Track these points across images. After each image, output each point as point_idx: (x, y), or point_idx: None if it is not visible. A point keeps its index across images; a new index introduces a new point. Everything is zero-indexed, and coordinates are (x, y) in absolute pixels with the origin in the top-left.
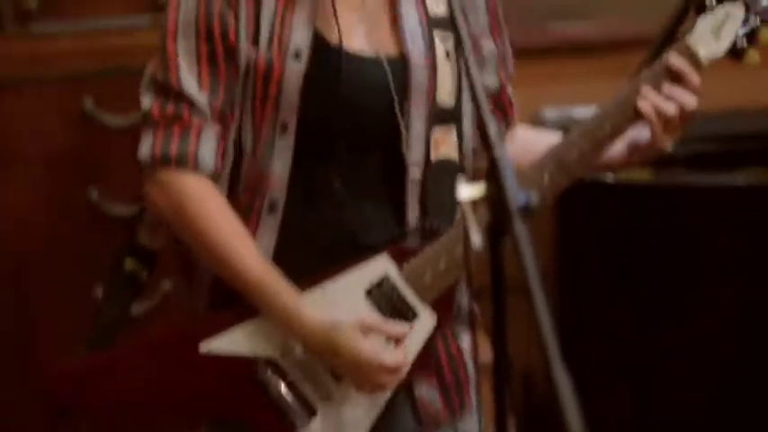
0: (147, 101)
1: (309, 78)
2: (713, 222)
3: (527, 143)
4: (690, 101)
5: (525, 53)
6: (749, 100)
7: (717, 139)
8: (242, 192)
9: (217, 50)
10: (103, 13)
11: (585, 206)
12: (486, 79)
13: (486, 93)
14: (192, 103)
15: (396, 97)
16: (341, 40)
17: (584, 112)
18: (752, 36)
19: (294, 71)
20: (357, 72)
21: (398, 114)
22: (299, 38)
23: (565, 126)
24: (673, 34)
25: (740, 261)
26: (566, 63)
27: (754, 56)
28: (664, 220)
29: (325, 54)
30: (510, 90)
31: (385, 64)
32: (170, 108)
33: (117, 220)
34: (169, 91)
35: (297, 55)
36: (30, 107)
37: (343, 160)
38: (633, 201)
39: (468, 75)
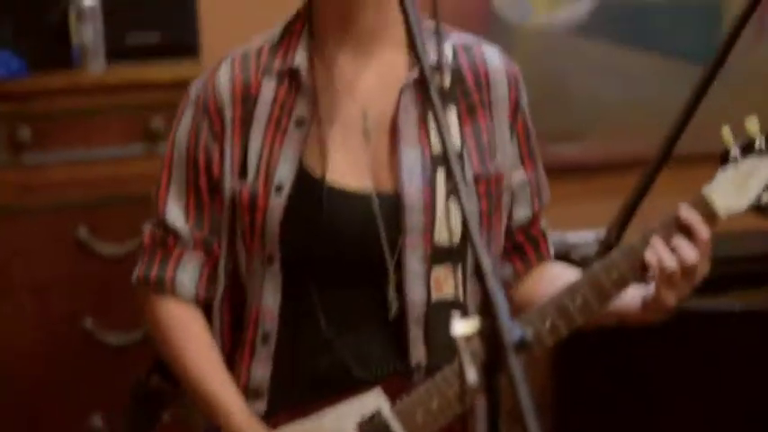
0: (145, 227)
1: (290, 212)
2: (712, 348)
3: (554, 280)
4: (690, 255)
5: None
6: (742, 222)
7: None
8: (245, 322)
9: (201, 181)
10: (96, 143)
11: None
12: (517, 212)
13: (516, 226)
14: (176, 233)
15: (384, 234)
16: (324, 174)
17: (579, 236)
18: None
19: (276, 204)
20: (340, 207)
21: (386, 252)
22: (284, 171)
23: (559, 251)
24: (668, 156)
25: (740, 384)
26: (563, 185)
27: None
28: (661, 346)
29: (307, 188)
30: (544, 222)
31: (374, 200)
32: (158, 235)
33: (112, 348)
34: (159, 219)
35: (279, 188)
36: (24, 236)
37: (330, 295)
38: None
39: (460, 204)
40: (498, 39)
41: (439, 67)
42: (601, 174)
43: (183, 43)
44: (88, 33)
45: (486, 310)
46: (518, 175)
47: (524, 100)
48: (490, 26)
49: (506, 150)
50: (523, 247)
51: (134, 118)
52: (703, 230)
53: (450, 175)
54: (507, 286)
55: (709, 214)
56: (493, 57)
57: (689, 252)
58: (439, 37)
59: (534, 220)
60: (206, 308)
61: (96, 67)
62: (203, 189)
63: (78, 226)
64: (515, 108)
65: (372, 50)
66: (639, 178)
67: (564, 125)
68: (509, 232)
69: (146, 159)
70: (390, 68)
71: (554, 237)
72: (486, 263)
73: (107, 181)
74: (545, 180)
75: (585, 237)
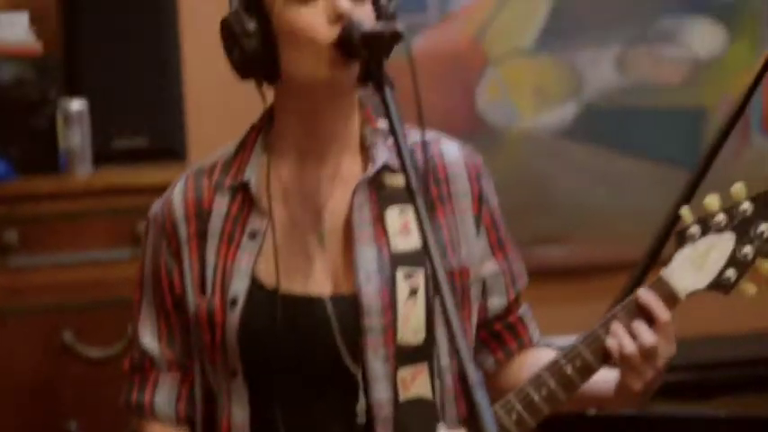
0: (131, 350)
1: (246, 326)
2: None
3: (534, 368)
4: (649, 339)
5: None
6: (724, 326)
7: (693, 367)
8: None
9: (167, 302)
10: (83, 247)
11: None
12: (492, 302)
13: (492, 315)
14: (150, 356)
15: (341, 338)
16: (278, 284)
17: (563, 340)
18: (743, 268)
19: (232, 319)
20: (295, 316)
21: (346, 356)
22: (238, 285)
23: None
24: (655, 259)
25: None
26: (547, 287)
27: (749, 289)
28: None
29: (261, 300)
30: (523, 309)
31: (329, 304)
32: (136, 359)
33: None
34: (136, 343)
35: (234, 302)
36: (9, 339)
37: (296, 406)
38: None
39: (446, 315)
40: (484, 141)
41: (426, 173)
42: (585, 277)
43: (170, 148)
44: (75, 137)
45: (472, 421)
46: (489, 266)
47: (489, 190)
48: (476, 129)
49: (472, 243)
50: (502, 336)
51: (121, 222)
52: (663, 313)
53: (436, 283)
54: (488, 377)
55: (669, 296)
56: (451, 151)
57: (648, 336)
58: (425, 146)
59: (510, 308)
60: (193, 424)
61: (83, 171)
62: (170, 309)
63: (64, 329)
64: (479, 199)
65: (328, 156)
66: (627, 281)
67: (549, 228)
68: (487, 322)
69: (132, 263)
70: (343, 170)
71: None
72: (472, 372)
73: (93, 284)
74: (520, 266)
75: (570, 341)
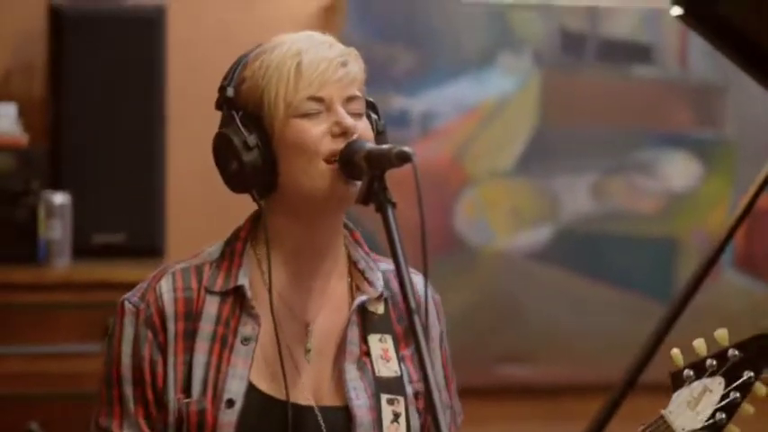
0: None
1: (243, 426)
2: None
3: None
4: None
5: (471, 393)
6: None
7: None
8: None
9: (148, 395)
10: (56, 339)
11: None
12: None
13: None
14: None
15: None
16: (271, 390)
17: None
18: (732, 411)
19: (227, 420)
20: (293, 422)
21: None
22: (234, 386)
23: None
24: (634, 382)
25: None
26: (512, 405)
27: (734, 430)
28: None
29: (257, 403)
30: None
31: (318, 414)
32: None
33: None
34: None
35: (231, 403)
36: None
37: None
38: None
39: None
40: (459, 259)
41: (417, 308)
42: (549, 397)
43: (149, 244)
44: (56, 230)
45: None
46: (443, 395)
47: (445, 329)
48: (452, 246)
49: (437, 372)
50: None
51: (95, 316)
52: None
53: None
54: None
55: None
56: (419, 284)
57: None
58: (426, 275)
59: None
60: None
61: (61, 264)
62: (151, 402)
63: (30, 419)
64: (441, 334)
65: (318, 272)
66: (603, 404)
67: (517, 347)
68: None
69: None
70: (331, 288)
71: None
72: None
73: (63, 377)
74: (459, 405)
75: None
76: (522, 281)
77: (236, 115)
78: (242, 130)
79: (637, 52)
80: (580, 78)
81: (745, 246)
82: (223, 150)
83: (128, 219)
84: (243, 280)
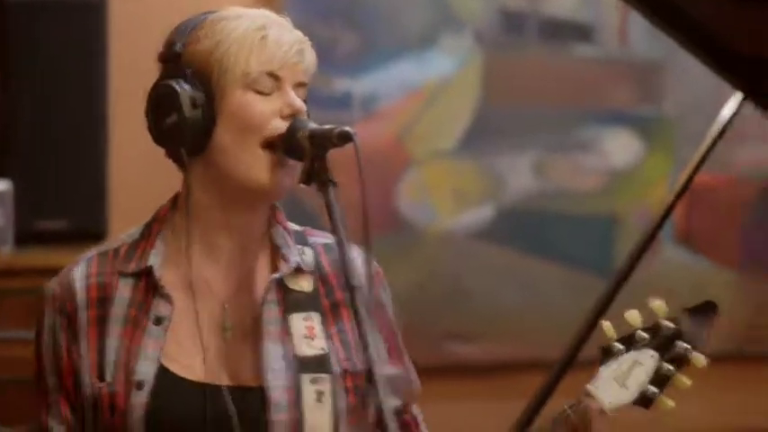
0: None
1: (152, 409)
2: None
3: None
4: None
5: (417, 372)
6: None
7: None
8: None
9: (68, 385)
10: (0, 325)
11: None
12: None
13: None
14: None
15: (241, 430)
16: (182, 371)
17: None
18: (663, 383)
19: (137, 402)
20: (198, 403)
21: None
22: (144, 368)
23: None
24: (573, 359)
25: None
26: (458, 383)
27: (667, 403)
28: None
29: (167, 384)
30: (414, 408)
31: (227, 395)
32: None
33: None
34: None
35: (140, 385)
36: None
37: None
38: None
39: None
40: (403, 240)
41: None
42: (494, 374)
43: (93, 230)
44: None
45: None
46: (386, 370)
47: (388, 300)
48: (395, 227)
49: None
50: None
51: (38, 302)
52: (587, 425)
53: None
54: None
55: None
56: (356, 257)
57: None
58: (368, 251)
59: (405, 407)
60: None
61: (4, 251)
62: (71, 391)
63: None
64: (377, 305)
65: (238, 250)
66: (543, 381)
67: (461, 325)
68: (381, 423)
69: None
70: (251, 266)
71: None
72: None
73: (6, 363)
74: (413, 371)
75: None
76: (465, 260)
77: (187, 71)
78: (190, 86)
79: (577, 31)
80: (521, 58)
81: (685, 221)
82: (163, 101)
83: (70, 205)
84: (153, 260)
